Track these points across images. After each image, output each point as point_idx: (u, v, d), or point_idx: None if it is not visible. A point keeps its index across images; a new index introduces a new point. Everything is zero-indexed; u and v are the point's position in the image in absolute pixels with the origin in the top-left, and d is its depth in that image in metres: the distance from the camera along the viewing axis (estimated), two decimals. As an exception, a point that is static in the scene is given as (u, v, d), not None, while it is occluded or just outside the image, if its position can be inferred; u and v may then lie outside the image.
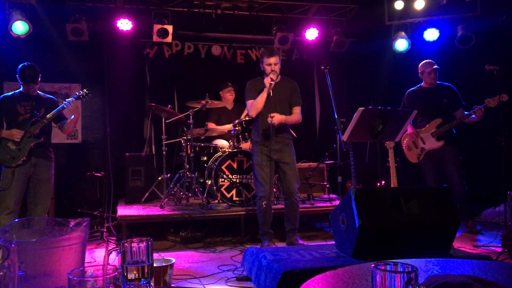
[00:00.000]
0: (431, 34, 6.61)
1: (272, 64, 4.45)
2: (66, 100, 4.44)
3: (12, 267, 1.04)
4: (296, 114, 4.65)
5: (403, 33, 6.64)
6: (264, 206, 4.49)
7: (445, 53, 6.46)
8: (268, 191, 4.52)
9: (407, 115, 4.20)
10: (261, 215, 4.57)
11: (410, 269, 1.16)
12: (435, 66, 5.44)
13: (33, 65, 4.39)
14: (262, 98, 4.47)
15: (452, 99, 5.42)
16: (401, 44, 6.67)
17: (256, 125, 4.69)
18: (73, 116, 4.49)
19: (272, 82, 4.37)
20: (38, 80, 4.44)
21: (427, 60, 5.53)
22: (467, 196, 5.33)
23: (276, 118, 4.41)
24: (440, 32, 6.58)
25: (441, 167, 5.47)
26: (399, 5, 6.43)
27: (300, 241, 4.68)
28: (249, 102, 4.59)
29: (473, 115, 5.14)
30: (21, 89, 4.45)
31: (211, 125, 6.31)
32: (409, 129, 5.56)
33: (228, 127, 6.10)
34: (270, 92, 4.46)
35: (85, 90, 4.62)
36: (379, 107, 4.09)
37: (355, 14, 6.98)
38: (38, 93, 4.52)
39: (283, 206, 4.76)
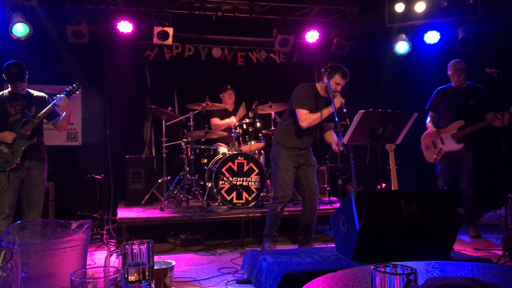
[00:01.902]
0: (432, 37, 6.62)
1: (340, 84, 4.39)
2: (56, 96, 4.30)
3: (15, 268, 1.05)
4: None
5: (403, 35, 6.65)
6: (278, 210, 4.51)
7: (446, 56, 6.45)
8: (288, 197, 4.55)
9: (408, 118, 4.21)
10: (272, 218, 4.57)
11: (409, 271, 1.16)
12: (456, 67, 5.33)
13: (19, 63, 4.24)
14: (323, 116, 4.37)
15: (481, 101, 5.26)
16: (401, 47, 6.67)
17: (292, 129, 4.55)
18: (64, 113, 4.34)
19: (344, 110, 4.23)
20: (25, 78, 4.28)
21: (455, 60, 5.43)
22: (475, 203, 5.30)
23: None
24: (440, 34, 6.59)
25: (456, 170, 5.39)
26: (399, 8, 6.44)
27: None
28: (304, 112, 4.37)
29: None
30: (9, 88, 4.30)
31: (215, 120, 6.32)
32: (430, 128, 5.50)
33: (232, 121, 6.11)
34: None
35: (74, 85, 4.45)
36: (380, 110, 4.09)
37: (356, 17, 7.00)
38: (28, 91, 4.37)
39: (293, 208, 4.73)
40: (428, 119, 5.61)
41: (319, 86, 4.55)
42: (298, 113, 4.40)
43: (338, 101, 4.24)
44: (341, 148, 4.41)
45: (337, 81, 4.37)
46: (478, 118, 5.19)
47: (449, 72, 5.44)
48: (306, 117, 4.37)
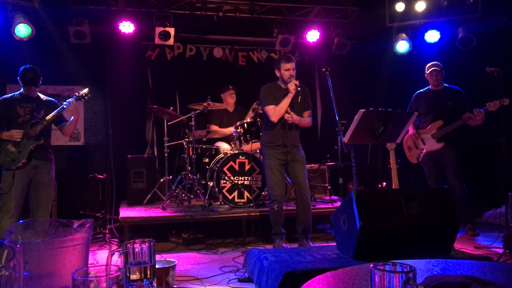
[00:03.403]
0: (432, 36, 6.63)
1: (290, 69, 4.57)
2: (66, 100, 4.39)
3: (17, 267, 1.06)
4: (307, 118, 4.80)
5: (404, 35, 6.66)
6: (276, 208, 4.60)
7: (446, 55, 6.47)
8: (279, 194, 4.62)
9: (408, 117, 4.22)
10: (273, 217, 4.66)
11: (408, 269, 1.17)
12: (433, 68, 5.47)
13: (35, 68, 4.34)
14: (286, 104, 4.54)
15: (458, 102, 5.40)
16: (402, 46, 6.68)
17: (268, 128, 4.73)
18: (72, 117, 4.44)
19: (299, 88, 4.46)
20: (39, 83, 4.40)
21: (432, 62, 5.56)
22: (466, 199, 5.33)
23: (294, 117, 4.57)
24: (441, 34, 6.60)
25: (442, 168, 5.47)
26: (400, 7, 6.45)
27: (313, 245, 4.64)
28: (270, 108, 4.61)
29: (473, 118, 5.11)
30: (21, 90, 4.40)
31: (214, 127, 6.33)
32: (411, 130, 5.59)
33: (230, 130, 6.11)
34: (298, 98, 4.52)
35: (85, 91, 4.57)
36: (380, 109, 4.11)
37: (356, 16, 7.00)
38: (38, 95, 4.47)
39: (289, 207, 4.77)
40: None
41: (279, 82, 4.76)
42: (266, 111, 4.65)
43: (292, 84, 4.48)
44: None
45: (285, 68, 4.61)
46: (456, 118, 5.31)
47: (426, 72, 5.56)
48: (272, 112, 4.58)
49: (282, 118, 4.59)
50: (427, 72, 5.55)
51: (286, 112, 4.56)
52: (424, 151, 5.47)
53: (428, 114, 5.52)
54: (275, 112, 4.56)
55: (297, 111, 4.65)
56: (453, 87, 5.55)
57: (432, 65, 5.52)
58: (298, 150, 4.73)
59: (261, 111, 6.00)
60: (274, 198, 4.61)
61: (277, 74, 4.70)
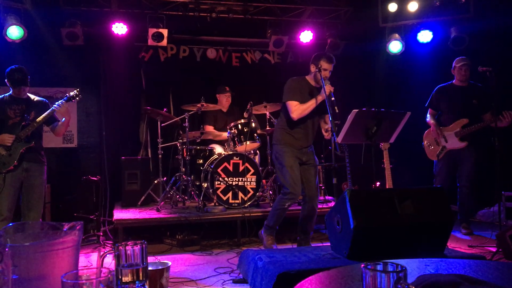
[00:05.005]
0: (425, 36, 6.65)
1: (328, 70, 4.37)
2: (56, 102, 4.34)
3: (6, 270, 1.05)
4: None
5: (397, 35, 6.68)
6: (286, 206, 4.42)
7: (439, 55, 6.50)
8: (299, 193, 4.44)
9: (401, 117, 4.22)
10: (278, 212, 4.46)
11: (399, 269, 1.17)
12: (463, 63, 5.34)
13: (21, 68, 4.28)
14: (313, 105, 4.35)
15: (482, 100, 5.29)
16: (395, 46, 6.70)
17: (291, 128, 4.51)
18: (64, 119, 4.38)
19: (332, 99, 4.20)
20: (28, 82, 4.33)
21: (461, 56, 5.45)
22: (471, 201, 5.34)
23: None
24: (433, 34, 6.63)
25: (455, 168, 5.43)
26: (392, 8, 6.47)
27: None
28: (294, 103, 4.37)
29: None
30: (10, 92, 4.34)
31: (209, 129, 6.33)
32: (432, 126, 5.51)
33: (225, 135, 6.10)
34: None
35: (75, 92, 4.51)
36: (373, 109, 4.11)
37: (349, 17, 7.02)
38: (28, 96, 4.42)
39: (292, 207, 4.74)
40: (428, 116, 5.62)
41: (309, 78, 4.57)
42: (288, 105, 4.41)
43: (328, 88, 4.25)
44: (330, 135, 4.39)
45: (325, 67, 4.38)
46: (480, 117, 5.24)
47: (457, 65, 5.40)
48: (296, 108, 4.37)
49: (306, 119, 4.44)
50: (457, 66, 5.39)
51: (328, 130, 4.34)
52: (447, 148, 5.39)
53: (451, 111, 5.41)
54: (298, 109, 4.35)
55: (314, 114, 4.51)
56: (478, 84, 5.42)
57: (462, 60, 5.38)
58: (313, 154, 4.62)
59: (257, 111, 6.05)
60: (292, 196, 4.36)
61: (312, 69, 4.47)
